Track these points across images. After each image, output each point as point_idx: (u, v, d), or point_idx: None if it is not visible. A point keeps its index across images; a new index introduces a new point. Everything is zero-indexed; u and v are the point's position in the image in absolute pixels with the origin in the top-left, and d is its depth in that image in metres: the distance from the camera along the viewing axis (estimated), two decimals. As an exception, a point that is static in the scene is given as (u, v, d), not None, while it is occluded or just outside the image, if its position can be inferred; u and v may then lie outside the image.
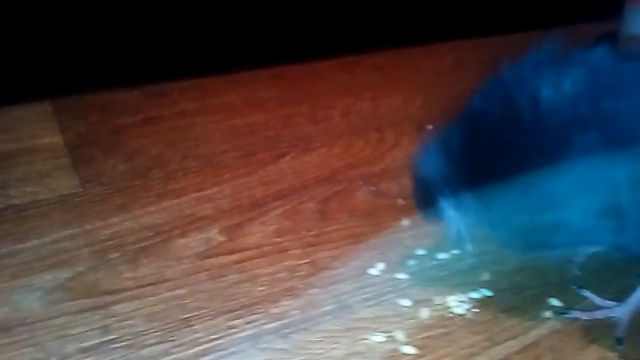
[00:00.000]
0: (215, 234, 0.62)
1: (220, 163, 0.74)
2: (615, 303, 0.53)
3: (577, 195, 0.46)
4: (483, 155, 0.48)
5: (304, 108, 0.88)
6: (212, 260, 0.58)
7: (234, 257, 0.59)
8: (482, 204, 0.49)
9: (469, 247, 0.58)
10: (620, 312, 0.52)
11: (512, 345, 0.50)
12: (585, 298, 0.54)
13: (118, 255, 0.59)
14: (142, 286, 0.55)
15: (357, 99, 0.92)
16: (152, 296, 0.54)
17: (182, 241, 0.61)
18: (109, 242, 0.61)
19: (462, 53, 1.07)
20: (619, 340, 0.50)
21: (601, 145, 0.44)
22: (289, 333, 0.51)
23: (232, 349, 0.49)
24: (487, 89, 0.49)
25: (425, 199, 0.52)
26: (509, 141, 0.46)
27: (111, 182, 0.70)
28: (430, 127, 0.80)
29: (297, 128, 0.83)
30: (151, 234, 0.62)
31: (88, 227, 0.63)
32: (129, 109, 0.87)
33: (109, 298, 0.54)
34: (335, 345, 0.49)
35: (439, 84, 0.96)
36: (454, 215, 0.50)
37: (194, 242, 0.61)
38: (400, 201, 0.67)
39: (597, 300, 0.54)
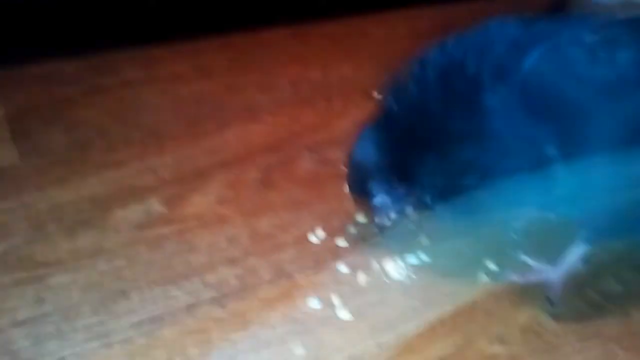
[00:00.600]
0: (155, 205, 0.61)
1: (164, 133, 0.73)
2: (548, 265, 0.54)
3: (504, 158, 0.47)
4: (406, 137, 0.48)
5: (253, 77, 0.87)
6: (151, 231, 0.58)
7: (174, 227, 0.58)
8: (415, 176, 0.50)
9: (409, 210, 0.59)
10: (553, 274, 0.54)
11: (448, 309, 0.51)
12: (520, 261, 0.55)
13: (55, 227, 0.58)
14: (79, 258, 0.55)
15: (306, 67, 0.91)
16: (88, 268, 0.54)
17: (121, 212, 0.60)
18: (46, 214, 0.60)
19: (415, 22, 1.06)
20: (550, 301, 0.52)
21: (523, 106, 0.45)
22: (226, 302, 0.51)
23: (168, 319, 0.49)
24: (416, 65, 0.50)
25: (358, 186, 0.53)
26: (435, 111, 0.47)
27: (51, 154, 0.69)
28: (378, 95, 0.81)
29: (245, 97, 0.82)
30: (90, 205, 0.61)
31: (26, 199, 0.62)
32: (72, 80, 0.85)
33: (44, 270, 0.53)
34: (271, 312, 0.50)
35: (390, 53, 0.95)
36: (384, 199, 0.51)
37: (133, 213, 0.60)
38: (343, 168, 0.67)
39: (531, 262, 0.55)
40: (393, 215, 0.53)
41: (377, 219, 0.54)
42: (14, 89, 0.82)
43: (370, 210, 0.55)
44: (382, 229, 0.54)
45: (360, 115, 0.77)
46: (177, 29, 0.96)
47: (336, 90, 0.85)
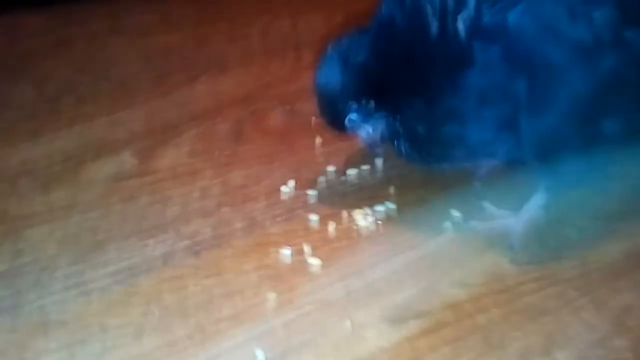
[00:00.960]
0: (127, 157, 0.62)
1: (133, 86, 0.74)
2: (510, 213, 0.57)
3: (477, 108, 0.48)
4: (387, 67, 0.49)
5: (221, 27, 0.87)
6: (124, 183, 0.59)
7: (147, 179, 0.60)
8: (387, 115, 0.51)
9: (379, 160, 0.61)
10: (514, 221, 0.56)
11: (413, 255, 0.53)
12: (484, 209, 0.58)
13: (29, 180, 0.59)
14: (53, 210, 0.56)
15: (275, 16, 0.91)
16: (64, 220, 0.55)
17: (94, 165, 0.61)
18: (19, 168, 0.61)
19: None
20: (511, 247, 0.54)
21: (503, 59, 0.46)
22: (200, 250, 0.52)
23: (144, 268, 0.51)
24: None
25: (330, 110, 0.54)
26: (413, 52, 0.48)
27: (20, 108, 0.69)
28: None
29: (214, 48, 0.82)
30: (62, 159, 0.62)
31: (-3, 153, 0.62)
32: (38, 32, 0.84)
33: (20, 223, 0.54)
34: (244, 260, 0.52)
35: (359, 3, 0.96)
36: (358, 123, 0.52)
37: (106, 165, 0.61)
38: (314, 119, 0.68)
39: (494, 210, 0.58)
40: (373, 134, 0.53)
41: (363, 142, 0.54)
42: (-22, 42, 0.81)
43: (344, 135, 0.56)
44: (369, 147, 0.54)
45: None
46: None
47: (305, 39, 0.85)
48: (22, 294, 0.48)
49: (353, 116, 0.53)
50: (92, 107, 0.69)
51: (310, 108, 0.70)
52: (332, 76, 0.53)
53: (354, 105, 0.52)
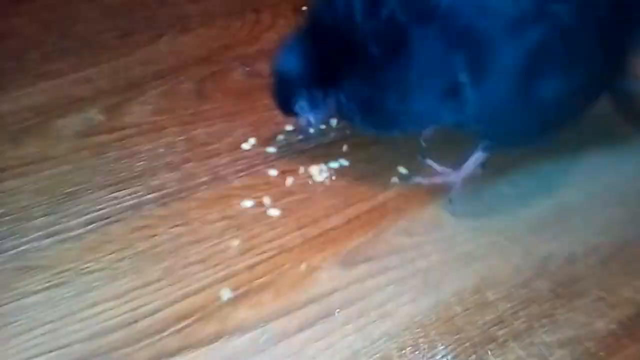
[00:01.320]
0: (95, 114, 0.65)
1: (98, 43, 0.76)
2: (451, 170, 0.62)
3: (419, 81, 0.53)
4: (333, 50, 0.53)
5: (182, -14, 0.89)
6: (93, 139, 0.62)
7: (114, 135, 0.63)
8: (335, 95, 0.56)
9: (333, 121, 0.65)
10: (454, 176, 0.61)
11: (363, 207, 0.59)
12: (428, 166, 0.63)
13: (-1, 135, 0.61)
14: (26, 164, 0.59)
15: (235, -23, 0.93)
16: (36, 173, 0.58)
17: (62, 121, 0.64)
18: (-12, 123, 0.63)
19: None
20: (451, 200, 0.60)
21: (439, 37, 0.51)
22: (168, 202, 0.57)
23: (116, 217, 0.55)
24: None
25: (282, 96, 0.58)
26: (354, 33, 0.52)
27: (-15, 64, 0.71)
28: (305, 8, 0.84)
29: (175, 7, 0.84)
30: (31, 114, 0.64)
31: (-35, 109, 0.64)
32: (-3, -14, 0.84)
33: (-7, 176, 0.57)
34: (209, 211, 0.56)
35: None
36: (306, 109, 0.57)
37: (74, 121, 0.64)
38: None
39: (437, 167, 0.63)
40: (315, 121, 0.58)
41: (301, 125, 0.59)
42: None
43: (294, 118, 0.60)
44: (305, 134, 0.59)
45: (288, 29, 0.82)
46: None
47: (265, 1, 0.88)
48: (1, 243, 0.52)
49: (302, 103, 0.57)
50: (58, 64, 0.71)
51: (268, 69, 0.74)
52: (284, 66, 0.57)
53: (303, 93, 0.56)
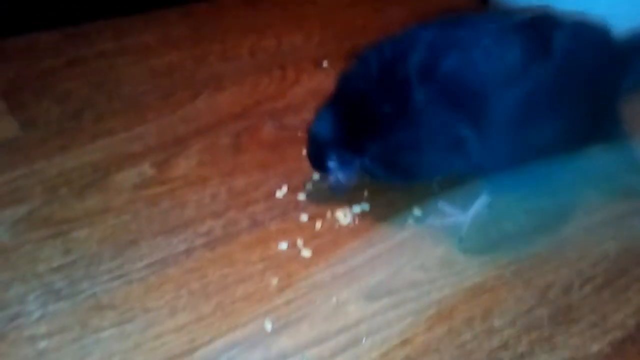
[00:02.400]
0: (146, 168, 0.74)
1: (144, 103, 0.85)
2: (460, 211, 0.70)
3: (431, 139, 0.61)
4: (356, 116, 0.62)
5: (215, 47, 0.98)
6: (147, 191, 0.71)
7: (165, 187, 0.72)
8: (360, 158, 0.64)
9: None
10: (464, 217, 0.69)
11: (384, 246, 0.67)
12: (439, 207, 0.71)
13: (66, 190, 0.71)
14: (91, 215, 0.68)
15: (261, 36, 1.02)
16: (101, 223, 0.67)
17: (119, 176, 0.73)
18: (56, 179, 0.72)
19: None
20: (461, 239, 0.68)
21: (441, 97, 0.59)
22: (215, 246, 0.65)
23: (171, 261, 0.63)
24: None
25: (316, 156, 0.66)
26: (377, 101, 0.60)
27: (48, 124, 0.80)
28: (326, 63, 0.94)
29: (210, 67, 0.94)
30: (91, 170, 0.74)
31: (35, 167, 0.73)
32: (52, 51, 0.94)
33: (65, 227, 0.66)
34: (251, 253, 0.65)
35: (335, 21, 1.08)
36: (336, 168, 0.65)
37: (129, 176, 0.73)
38: (300, 133, 0.81)
39: (448, 209, 0.71)
40: (343, 178, 0.67)
41: (331, 182, 0.67)
42: (-1, 61, 0.91)
43: (325, 174, 0.68)
44: (334, 188, 0.68)
45: (311, 84, 0.92)
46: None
47: (289, 58, 0.97)
48: (77, 285, 0.61)
49: (333, 162, 0.65)
50: (111, 124, 0.80)
51: (295, 123, 0.83)
52: (318, 131, 0.65)
53: (334, 154, 0.64)
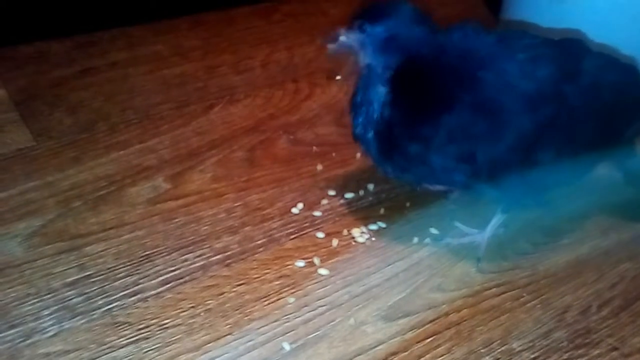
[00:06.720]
0: (161, 182, 0.74)
1: (157, 115, 0.85)
2: (477, 230, 0.70)
3: (445, 143, 0.60)
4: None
5: (227, 58, 0.98)
6: (162, 205, 0.71)
7: (180, 202, 0.71)
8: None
9: (371, 185, 0.74)
10: (480, 237, 0.69)
11: (401, 265, 0.66)
12: (456, 227, 0.71)
13: (80, 203, 0.70)
14: (106, 229, 0.67)
15: (273, 48, 1.02)
16: (115, 238, 0.66)
17: (133, 189, 0.73)
18: (70, 192, 0.72)
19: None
20: (478, 259, 0.68)
21: (471, 105, 0.58)
22: (230, 263, 0.65)
23: (187, 277, 0.63)
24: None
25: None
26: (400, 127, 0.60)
27: (61, 135, 0.80)
28: (338, 77, 0.94)
29: (223, 79, 0.93)
30: (105, 183, 0.73)
31: (49, 178, 0.73)
32: (64, 60, 0.94)
33: (80, 241, 0.66)
34: (267, 271, 0.64)
35: (346, 33, 1.07)
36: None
37: (143, 189, 0.73)
38: (314, 148, 0.81)
39: (464, 228, 0.71)
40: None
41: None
42: (10, 69, 0.91)
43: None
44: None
45: (325, 97, 0.91)
46: (153, 9, 1.05)
47: (301, 71, 0.97)
48: (93, 301, 0.60)
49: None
50: (124, 135, 0.80)
51: (310, 137, 0.83)
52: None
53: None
